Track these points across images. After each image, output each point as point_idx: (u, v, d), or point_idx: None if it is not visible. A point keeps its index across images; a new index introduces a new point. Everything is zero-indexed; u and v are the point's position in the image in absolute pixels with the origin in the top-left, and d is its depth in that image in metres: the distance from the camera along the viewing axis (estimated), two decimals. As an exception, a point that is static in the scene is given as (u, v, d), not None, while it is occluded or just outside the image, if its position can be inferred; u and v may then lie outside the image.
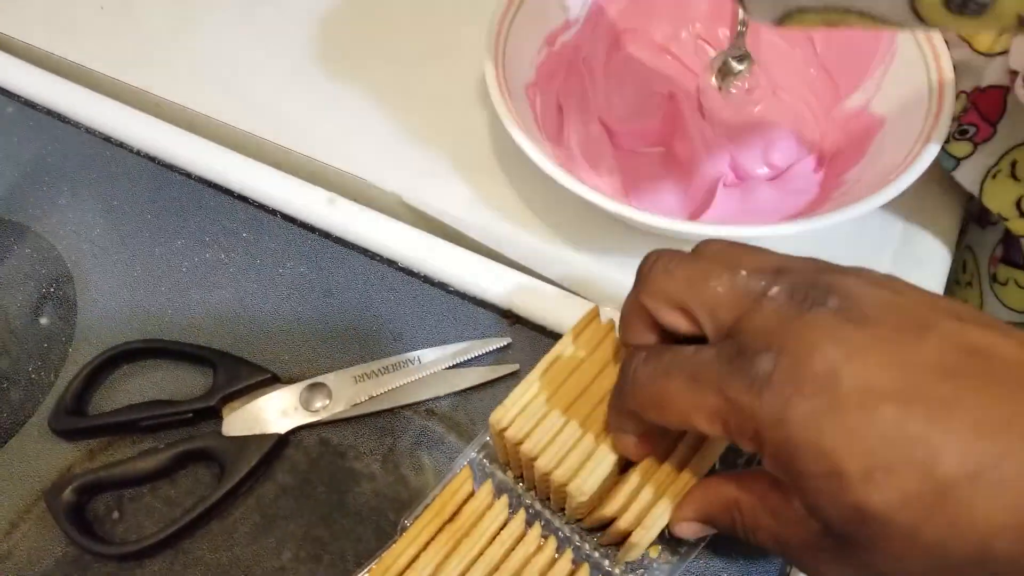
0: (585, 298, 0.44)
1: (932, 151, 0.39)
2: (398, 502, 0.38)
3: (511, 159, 0.48)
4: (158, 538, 0.37)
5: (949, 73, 0.41)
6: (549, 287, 0.44)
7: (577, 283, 0.45)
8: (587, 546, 0.36)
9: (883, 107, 0.44)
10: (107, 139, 0.53)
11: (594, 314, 0.37)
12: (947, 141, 0.41)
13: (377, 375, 0.42)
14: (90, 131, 0.54)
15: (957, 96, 0.42)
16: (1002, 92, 0.40)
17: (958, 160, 0.41)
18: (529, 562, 0.33)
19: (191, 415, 0.41)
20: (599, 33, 0.50)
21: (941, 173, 0.45)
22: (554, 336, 0.43)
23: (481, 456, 0.37)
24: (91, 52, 0.58)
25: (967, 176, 0.41)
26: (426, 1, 0.57)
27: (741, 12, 0.46)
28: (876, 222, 0.45)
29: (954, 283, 0.49)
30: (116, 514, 0.39)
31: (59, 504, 0.38)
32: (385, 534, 0.37)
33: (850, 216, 0.38)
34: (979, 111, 0.40)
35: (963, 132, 0.40)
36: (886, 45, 0.44)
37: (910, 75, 0.42)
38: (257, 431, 0.40)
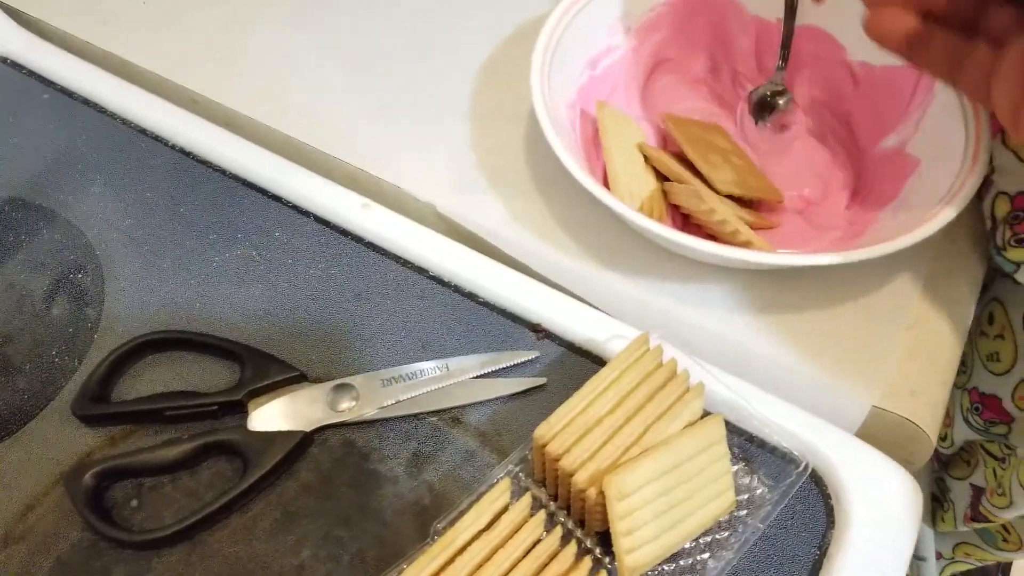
0: (614, 317, 0.44)
1: (967, 194, 0.40)
2: (420, 507, 0.38)
3: (546, 176, 0.49)
4: (176, 528, 0.37)
5: (985, 117, 0.42)
6: (578, 304, 0.45)
7: (606, 302, 0.45)
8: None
9: (919, 149, 0.45)
10: (142, 131, 0.54)
11: (644, 340, 0.38)
12: (1003, 248, 0.42)
13: (404, 380, 0.42)
14: (125, 122, 0.54)
15: (998, 195, 0.43)
16: None
17: (1017, 264, 0.42)
18: None
19: (216, 408, 0.40)
20: (640, 60, 0.51)
21: (970, 217, 0.46)
22: (581, 352, 0.43)
23: (518, 470, 0.37)
24: (130, 44, 0.59)
25: None
26: (470, 19, 0.58)
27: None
28: (904, 262, 0.45)
29: (980, 334, 0.50)
30: (135, 502, 0.38)
31: (78, 489, 0.37)
32: (406, 539, 0.37)
33: (883, 252, 0.39)
34: None
35: (1020, 240, 0.41)
36: (925, 87, 0.45)
37: (948, 119, 0.43)
38: (282, 428, 0.40)
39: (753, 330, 0.43)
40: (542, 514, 0.33)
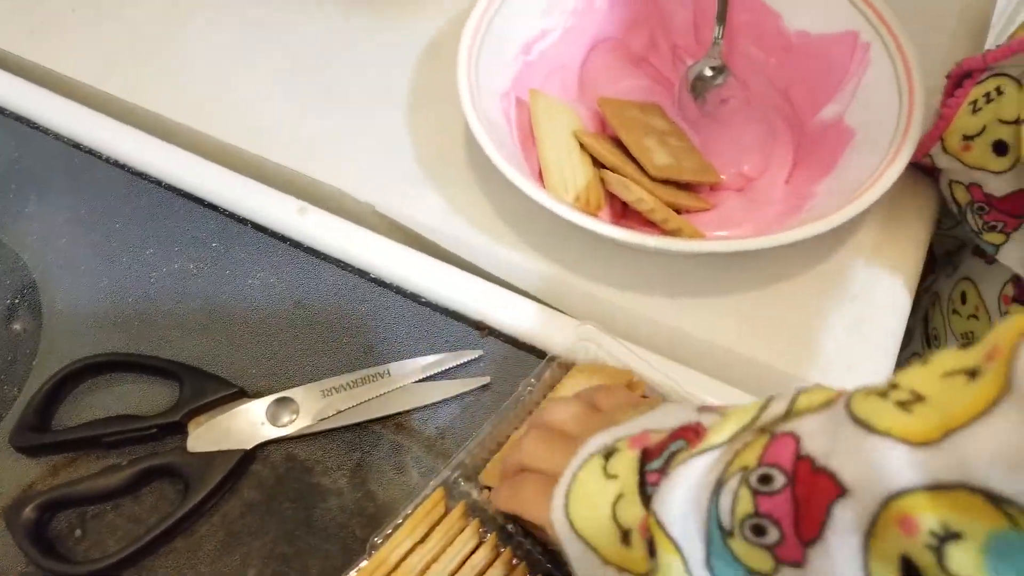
0: (557, 309, 0.44)
1: (900, 165, 0.39)
2: (365, 518, 0.38)
3: (485, 171, 0.48)
4: (121, 556, 0.36)
5: (920, 87, 0.41)
6: (521, 299, 0.44)
7: (550, 295, 0.45)
8: (559, 572, 0.35)
9: (855, 119, 0.44)
10: (76, 145, 0.53)
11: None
12: (981, 232, 0.42)
13: (346, 388, 0.41)
14: (58, 137, 0.53)
15: (952, 183, 0.43)
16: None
17: (997, 246, 0.42)
18: None
19: (156, 430, 0.40)
20: (576, 41, 0.50)
21: (912, 183, 0.46)
22: (526, 349, 0.43)
23: (456, 475, 0.37)
24: (60, 56, 0.57)
25: (1009, 258, 0.42)
26: (400, 10, 0.57)
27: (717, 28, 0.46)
28: (844, 235, 0.45)
29: (952, 312, 0.49)
30: (78, 532, 0.38)
31: (19, 522, 0.37)
32: (351, 551, 0.37)
33: (821, 229, 0.38)
34: (1001, 211, 0.41)
35: (992, 227, 0.41)
36: (860, 54, 0.44)
37: (883, 86, 0.42)
38: (223, 447, 0.39)
39: (693, 314, 0.42)
40: (477, 523, 0.33)
